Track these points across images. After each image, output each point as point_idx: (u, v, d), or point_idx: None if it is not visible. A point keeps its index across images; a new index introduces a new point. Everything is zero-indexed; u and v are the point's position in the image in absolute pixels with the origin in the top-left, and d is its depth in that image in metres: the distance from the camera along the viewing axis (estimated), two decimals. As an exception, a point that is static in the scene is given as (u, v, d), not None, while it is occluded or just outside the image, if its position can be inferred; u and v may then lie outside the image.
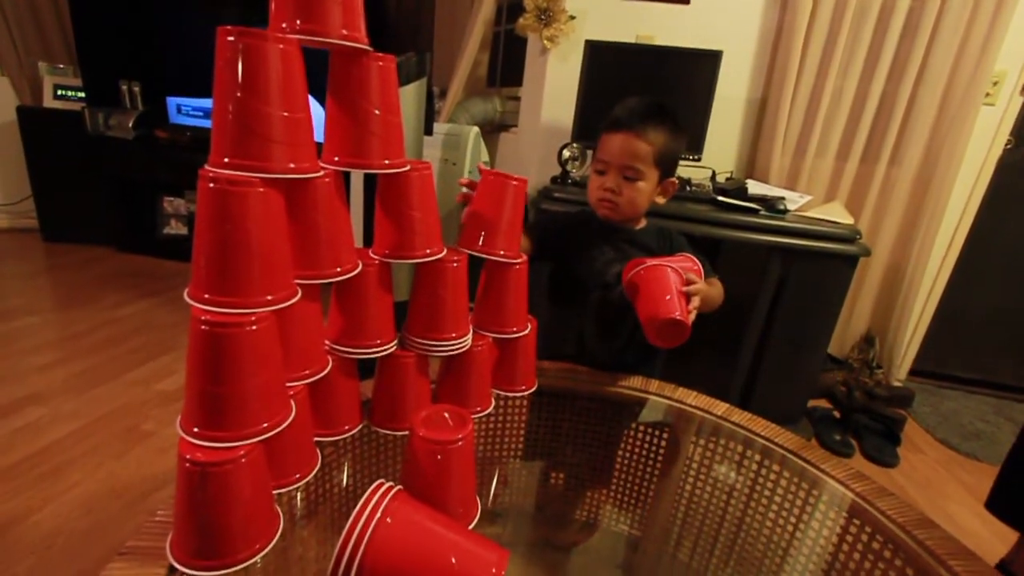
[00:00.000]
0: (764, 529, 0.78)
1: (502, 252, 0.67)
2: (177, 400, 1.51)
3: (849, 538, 0.67)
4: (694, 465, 0.86)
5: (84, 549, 1.00)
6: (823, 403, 1.87)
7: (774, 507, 0.77)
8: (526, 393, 0.79)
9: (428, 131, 1.57)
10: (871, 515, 0.64)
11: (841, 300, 1.56)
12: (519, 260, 0.69)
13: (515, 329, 0.72)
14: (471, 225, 0.67)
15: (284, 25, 0.46)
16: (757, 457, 0.79)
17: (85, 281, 2.31)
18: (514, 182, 0.66)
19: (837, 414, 1.79)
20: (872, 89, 1.83)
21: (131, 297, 2.17)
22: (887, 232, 1.96)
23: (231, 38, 0.41)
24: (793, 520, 0.75)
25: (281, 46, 0.43)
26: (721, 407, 0.82)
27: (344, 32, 0.47)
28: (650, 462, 0.91)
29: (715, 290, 0.90)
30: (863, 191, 1.94)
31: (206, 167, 0.44)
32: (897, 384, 2.03)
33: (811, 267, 1.49)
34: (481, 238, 0.66)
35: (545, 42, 1.87)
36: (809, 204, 1.67)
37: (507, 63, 2.44)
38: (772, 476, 0.77)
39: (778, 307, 1.53)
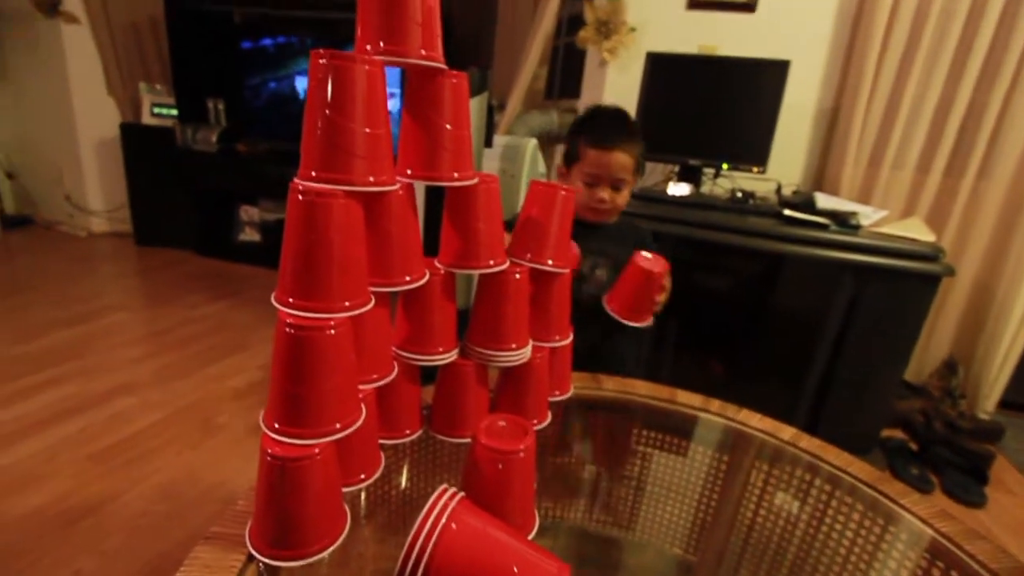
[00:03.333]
0: (834, 565, 0.73)
1: (550, 262, 0.67)
2: (247, 396, 1.61)
3: (932, 582, 0.62)
4: (755, 491, 0.82)
5: (165, 531, 1.08)
6: (898, 433, 1.74)
7: (845, 542, 0.72)
8: (561, 398, 0.79)
9: (488, 143, 1.60)
10: (958, 558, 0.59)
11: (920, 323, 1.46)
12: (566, 270, 0.69)
13: (558, 337, 0.72)
14: (520, 235, 0.68)
15: (368, 47, 0.49)
16: (827, 487, 0.74)
17: (169, 282, 2.51)
18: (563, 192, 0.66)
19: (914, 446, 1.66)
20: (958, 96, 1.71)
21: (208, 298, 2.34)
22: (974, 250, 1.81)
23: (323, 61, 0.44)
24: (866, 557, 0.70)
25: (367, 67, 0.45)
26: (788, 432, 0.78)
27: (423, 52, 0.49)
28: (708, 484, 0.88)
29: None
30: (946, 206, 1.81)
31: (296, 180, 0.47)
32: (984, 416, 1.86)
33: (887, 286, 1.40)
34: (530, 248, 0.67)
35: (605, 54, 1.87)
36: (885, 219, 1.57)
37: (565, 75, 2.46)
38: (844, 509, 0.73)
39: (850, 328, 1.44)
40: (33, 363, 1.67)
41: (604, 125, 1.03)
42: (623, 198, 1.04)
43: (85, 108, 2.88)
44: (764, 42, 1.78)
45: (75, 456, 1.28)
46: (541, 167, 1.90)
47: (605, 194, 1.02)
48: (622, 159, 1.00)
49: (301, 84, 2.72)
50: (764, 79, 1.67)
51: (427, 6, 0.49)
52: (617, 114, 1.05)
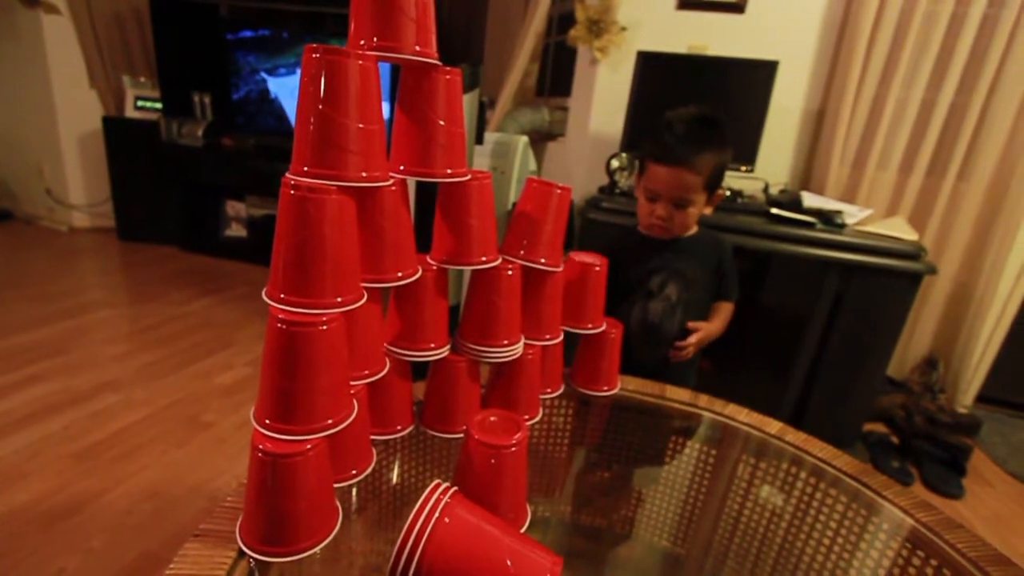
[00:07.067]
0: (818, 555, 0.75)
1: (543, 260, 0.67)
2: (234, 393, 1.60)
3: (912, 571, 0.64)
4: (742, 484, 0.84)
5: (150, 529, 1.07)
6: (880, 427, 1.78)
7: (829, 532, 0.74)
8: (554, 395, 0.80)
9: (479, 140, 1.60)
10: (938, 548, 0.61)
11: (903, 319, 1.49)
12: (559, 268, 0.70)
13: (549, 336, 0.73)
14: (514, 232, 0.68)
15: (362, 42, 0.48)
16: (812, 480, 0.76)
17: (154, 278, 2.47)
18: (558, 190, 0.67)
19: (895, 439, 1.70)
20: (940, 99, 1.75)
21: (194, 294, 2.31)
22: (954, 249, 1.85)
23: (316, 56, 0.44)
24: (849, 547, 0.72)
25: (360, 62, 0.45)
26: (774, 426, 0.80)
27: (417, 48, 0.49)
28: (696, 478, 0.90)
29: (715, 326, 1.01)
30: (928, 206, 1.85)
31: (288, 175, 0.47)
32: (962, 411, 1.90)
33: (871, 284, 1.43)
34: (523, 245, 0.67)
35: (596, 53, 1.88)
36: (869, 218, 1.60)
37: (556, 73, 2.46)
38: (828, 500, 0.74)
39: (834, 324, 1.47)
40: (14, 359, 1.64)
41: (672, 138, 0.91)
42: (688, 216, 0.94)
43: (66, 101, 2.81)
44: (753, 43, 1.80)
45: (58, 454, 1.26)
46: (532, 164, 1.91)
47: (662, 211, 0.93)
48: (685, 178, 0.90)
49: (289, 79, 2.69)
50: (753, 79, 1.68)
51: (420, 2, 0.49)
52: (692, 125, 0.91)
